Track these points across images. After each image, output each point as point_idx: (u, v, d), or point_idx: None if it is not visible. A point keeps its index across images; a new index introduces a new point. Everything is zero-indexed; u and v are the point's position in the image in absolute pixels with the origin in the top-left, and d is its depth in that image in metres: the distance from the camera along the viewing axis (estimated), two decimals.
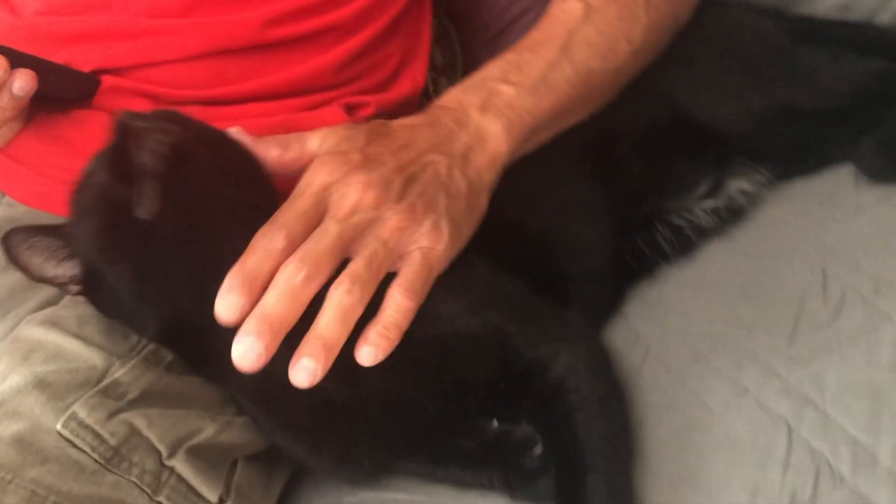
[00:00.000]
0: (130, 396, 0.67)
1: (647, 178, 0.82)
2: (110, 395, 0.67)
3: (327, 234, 0.61)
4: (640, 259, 0.81)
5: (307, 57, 0.82)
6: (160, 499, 0.66)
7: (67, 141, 0.79)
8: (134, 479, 0.65)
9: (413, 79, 0.92)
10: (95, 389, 0.66)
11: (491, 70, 0.77)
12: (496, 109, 0.74)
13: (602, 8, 0.81)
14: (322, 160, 0.66)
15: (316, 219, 0.62)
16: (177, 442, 0.67)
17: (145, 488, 0.65)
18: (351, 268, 0.62)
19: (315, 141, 0.68)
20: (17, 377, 0.66)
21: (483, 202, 0.71)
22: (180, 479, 0.67)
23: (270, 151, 0.67)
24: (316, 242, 0.61)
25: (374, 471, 0.72)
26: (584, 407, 0.66)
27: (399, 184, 0.65)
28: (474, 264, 0.71)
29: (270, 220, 0.62)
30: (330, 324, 0.59)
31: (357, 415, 0.67)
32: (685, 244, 0.82)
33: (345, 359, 0.60)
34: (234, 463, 0.71)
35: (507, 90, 0.75)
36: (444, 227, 0.65)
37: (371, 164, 0.65)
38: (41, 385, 0.65)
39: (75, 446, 0.64)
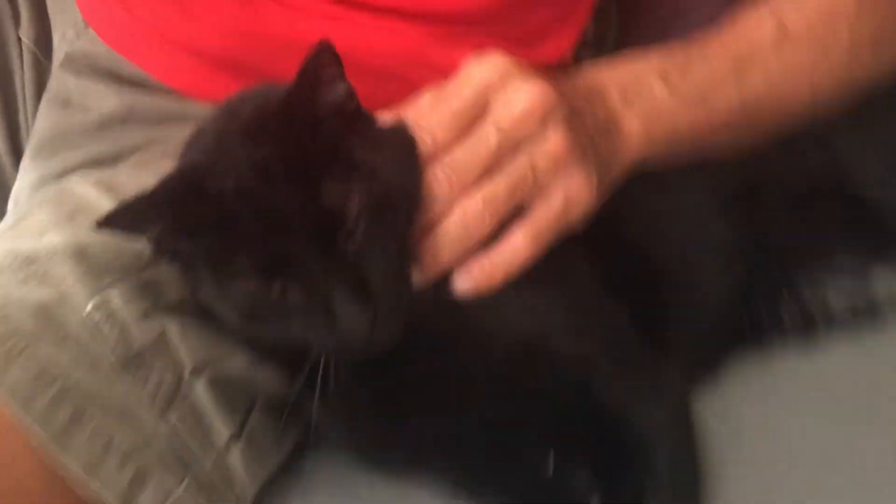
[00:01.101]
0: (170, 298, 0.61)
1: (793, 242, 0.73)
2: (150, 291, 0.60)
3: (486, 143, 0.55)
4: (755, 325, 0.72)
5: None
6: (169, 418, 0.60)
7: None
8: (146, 394, 0.59)
9: (559, 45, 0.82)
10: (137, 280, 0.60)
11: (652, 61, 0.68)
12: (641, 108, 0.65)
13: (798, 38, 0.71)
14: (485, 58, 0.58)
15: (469, 122, 0.56)
16: (205, 362, 0.61)
17: (156, 405, 0.59)
18: (490, 188, 0.55)
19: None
20: (56, 237, 0.60)
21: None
22: (195, 404, 0.61)
23: None
24: (470, 152, 0.55)
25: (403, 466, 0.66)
26: (657, 478, 0.59)
27: (566, 109, 0.58)
28: (585, 280, 0.64)
29: (415, 117, 0.56)
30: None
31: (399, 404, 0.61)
32: (809, 325, 0.73)
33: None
34: (252, 406, 0.64)
35: (660, 91, 0.67)
36: (595, 182, 0.58)
37: (537, 79, 0.58)
38: (81, 254, 0.59)
39: (100, 335, 0.58)
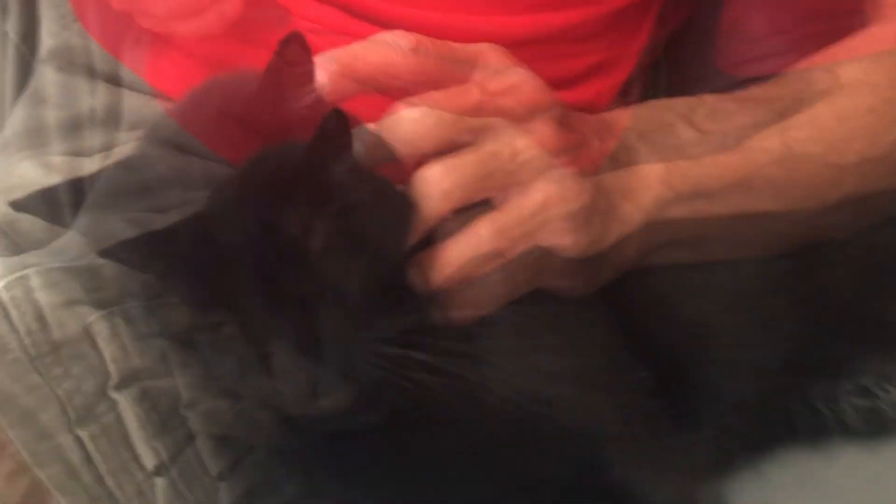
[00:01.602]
0: (104, 294, 0.53)
1: (854, 323, 0.62)
2: (82, 279, 0.53)
3: (465, 94, 0.48)
4: (810, 418, 0.60)
5: (492, 10, 0.69)
6: (81, 433, 0.52)
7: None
8: (59, 394, 0.51)
9: (600, 92, 0.76)
10: (68, 265, 0.53)
11: (676, 103, 0.61)
12: (661, 146, 0.57)
13: (855, 92, 0.62)
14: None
15: (457, 75, 0.50)
16: (136, 373, 0.53)
17: (68, 409, 0.51)
18: (458, 158, 0.47)
19: None
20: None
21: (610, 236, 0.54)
22: (119, 420, 0.52)
23: None
24: (445, 96, 0.48)
25: None
26: None
27: (563, 113, 0.52)
28: (600, 345, 0.55)
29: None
30: None
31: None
32: (879, 423, 0.60)
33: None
34: (191, 438, 0.55)
35: (685, 132, 0.58)
36: (586, 191, 0.50)
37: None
38: (10, 227, 0.54)
39: (8, 318, 0.50)
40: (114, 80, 0.72)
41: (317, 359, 0.44)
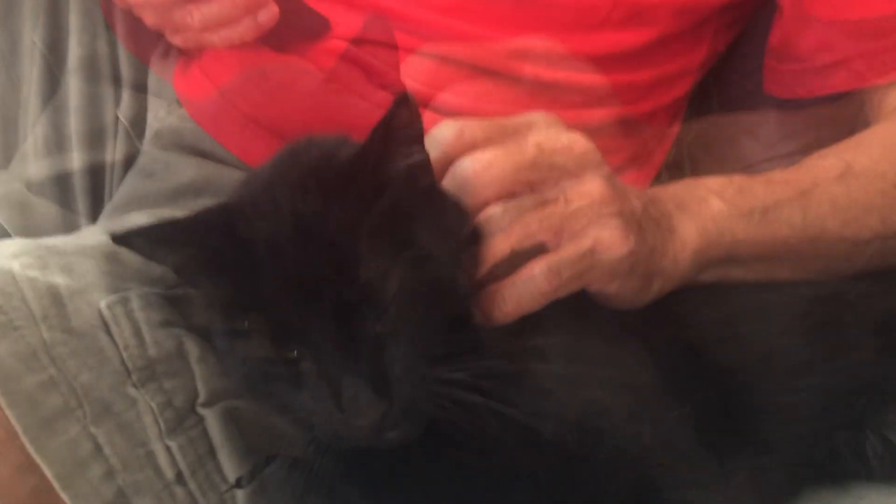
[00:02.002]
0: (196, 320, 0.56)
1: (877, 373, 0.65)
2: (175, 306, 0.57)
3: (521, 151, 0.53)
4: (834, 459, 0.63)
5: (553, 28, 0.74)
6: (170, 443, 0.54)
7: (266, 77, 0.73)
8: (153, 406, 0.54)
9: (659, 106, 0.82)
10: (164, 292, 0.57)
11: (708, 181, 0.66)
12: (695, 215, 0.62)
13: (864, 176, 0.69)
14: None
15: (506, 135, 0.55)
16: (222, 393, 0.56)
17: (161, 422, 0.54)
18: (520, 202, 0.53)
19: None
20: (92, 237, 0.58)
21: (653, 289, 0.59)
22: (205, 434, 0.55)
23: None
24: (503, 153, 0.53)
25: None
26: None
27: (610, 172, 0.56)
28: (645, 370, 0.58)
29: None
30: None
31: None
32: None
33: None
34: (273, 457, 0.58)
35: (716, 204, 0.63)
36: (632, 239, 0.55)
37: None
38: (111, 256, 0.57)
39: (109, 333, 0.53)
40: (213, 157, 0.77)
41: (385, 396, 0.48)
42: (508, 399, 0.51)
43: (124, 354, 0.53)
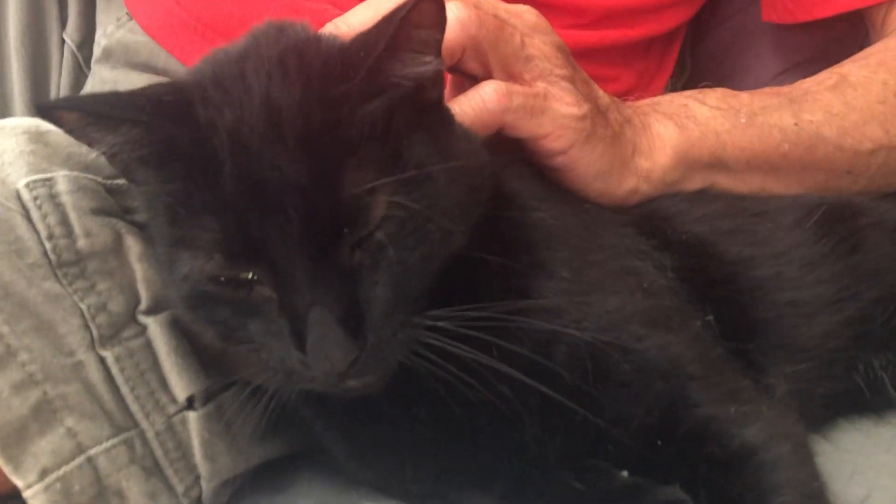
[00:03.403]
0: (139, 217, 0.49)
1: None
2: (114, 195, 0.49)
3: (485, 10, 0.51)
4: (873, 386, 0.57)
5: None
6: (104, 353, 0.46)
7: None
8: (83, 308, 0.46)
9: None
10: (100, 177, 0.49)
11: (688, 91, 0.64)
12: (674, 115, 0.60)
13: (861, 86, 0.65)
14: None
15: None
16: (169, 301, 0.47)
17: (92, 327, 0.46)
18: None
19: None
20: (16, 119, 0.50)
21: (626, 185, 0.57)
22: (148, 346, 0.47)
23: None
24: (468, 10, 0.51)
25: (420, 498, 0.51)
26: (782, 491, 0.44)
27: (562, 44, 0.56)
28: (659, 277, 0.52)
29: None
30: None
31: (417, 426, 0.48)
32: None
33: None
34: (232, 382, 0.50)
35: (697, 107, 0.61)
36: (585, 106, 0.54)
37: None
38: (37, 137, 0.48)
39: (28, 218, 0.45)
40: (166, 73, 0.70)
41: (358, 340, 0.40)
42: (508, 337, 0.45)
43: (47, 245, 0.45)
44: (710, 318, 0.52)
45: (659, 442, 0.46)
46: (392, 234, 0.41)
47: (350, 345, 0.40)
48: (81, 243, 0.46)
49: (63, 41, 0.78)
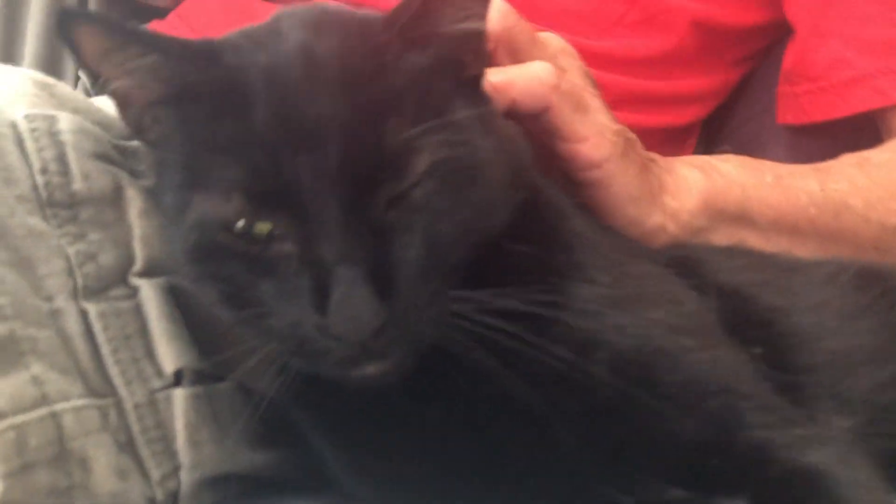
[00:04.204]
0: (147, 181, 0.45)
1: None
2: (120, 150, 0.45)
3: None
4: None
5: None
6: (87, 305, 0.41)
7: None
8: (70, 253, 0.41)
9: None
10: (110, 136, 0.45)
11: (715, 156, 0.64)
12: (700, 168, 0.60)
13: (884, 166, 0.66)
14: None
15: None
16: (168, 267, 0.43)
17: (77, 275, 0.41)
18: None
19: None
20: (32, 71, 0.47)
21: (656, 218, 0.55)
22: (137, 312, 0.42)
23: None
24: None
25: None
26: None
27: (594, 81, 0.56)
28: (702, 305, 0.48)
29: None
30: None
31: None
32: None
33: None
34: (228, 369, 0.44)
35: (721, 164, 0.61)
36: (617, 123, 0.54)
37: None
38: (45, 85, 0.45)
39: (22, 148, 0.41)
40: None
41: (387, 298, 0.36)
42: (545, 333, 0.40)
43: (39, 179, 0.41)
44: (759, 350, 0.47)
45: (715, 461, 0.40)
46: (431, 194, 0.38)
47: (378, 307, 0.35)
48: (77, 186, 0.42)
49: None
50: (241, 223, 0.37)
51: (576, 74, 0.53)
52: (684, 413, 0.41)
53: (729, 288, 0.52)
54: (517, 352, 0.39)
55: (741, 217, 0.59)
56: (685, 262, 0.52)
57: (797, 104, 0.76)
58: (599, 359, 0.42)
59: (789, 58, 0.76)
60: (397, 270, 0.37)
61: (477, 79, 0.44)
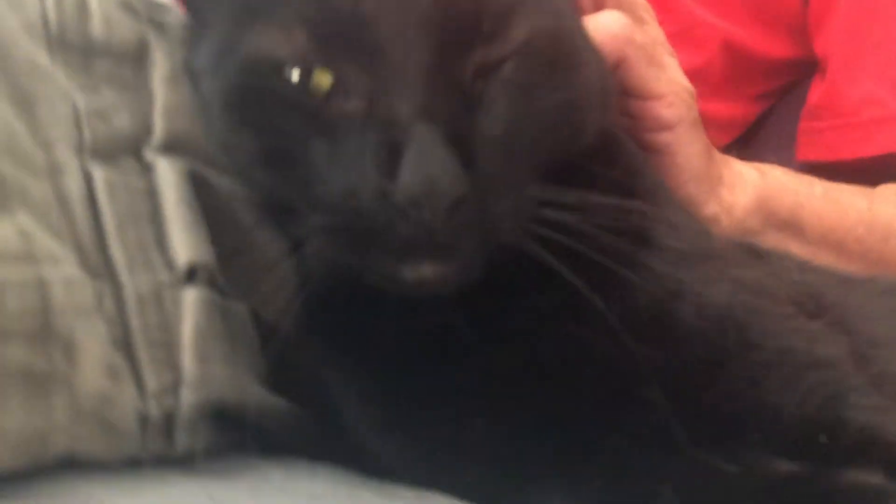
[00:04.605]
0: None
1: None
2: (151, 6, 0.39)
3: None
4: None
5: None
6: (93, 167, 0.33)
7: None
8: (77, 100, 0.34)
9: None
10: None
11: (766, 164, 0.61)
12: (755, 167, 0.57)
13: None
14: None
15: None
16: (191, 144, 0.37)
17: (84, 129, 0.34)
18: None
19: None
20: None
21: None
22: (150, 194, 0.35)
23: None
24: None
25: None
26: None
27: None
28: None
29: None
30: None
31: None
32: None
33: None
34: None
35: (771, 170, 0.59)
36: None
37: None
38: None
39: None
40: None
41: (469, 167, 0.31)
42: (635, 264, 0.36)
43: (50, 13, 0.34)
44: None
45: (822, 437, 0.34)
46: (525, 70, 0.34)
47: (460, 173, 0.30)
48: (96, 30, 0.35)
49: None
50: (296, 74, 0.31)
51: (654, 28, 0.49)
52: (783, 384, 0.36)
53: (798, 280, 0.47)
54: (604, 278, 0.33)
55: (792, 224, 0.56)
56: (752, 250, 0.47)
57: (822, 140, 0.73)
58: (684, 311, 0.36)
59: (816, 93, 0.74)
60: (482, 144, 0.32)
61: None
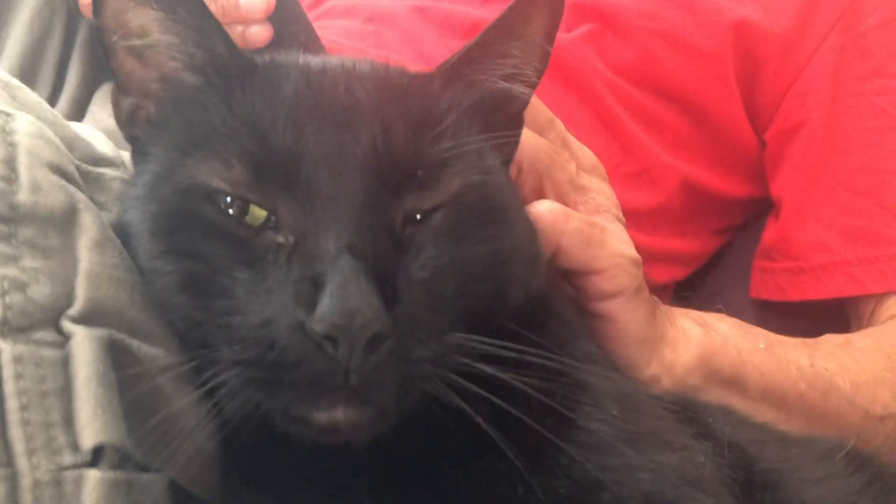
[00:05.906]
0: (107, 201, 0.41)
1: None
2: (82, 173, 0.40)
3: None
4: None
5: None
6: (2, 344, 0.33)
7: None
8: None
9: None
10: (74, 154, 0.40)
11: (710, 314, 0.62)
12: (701, 324, 0.58)
13: (868, 350, 0.65)
14: None
15: None
16: (112, 315, 0.36)
17: None
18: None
19: None
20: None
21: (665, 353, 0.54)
22: (63, 366, 0.34)
23: None
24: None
25: None
26: None
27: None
28: (708, 458, 0.44)
29: None
30: None
31: None
32: None
33: None
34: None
35: (721, 325, 0.60)
36: (638, 259, 0.52)
37: None
38: (9, 87, 0.40)
39: None
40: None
41: (390, 306, 0.32)
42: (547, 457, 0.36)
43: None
44: None
45: None
46: (455, 220, 0.36)
47: (380, 307, 0.31)
48: (23, 196, 0.35)
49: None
50: (233, 205, 0.33)
51: (599, 195, 0.51)
52: None
53: (732, 441, 0.48)
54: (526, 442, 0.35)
55: (734, 381, 0.56)
56: (686, 407, 0.49)
57: (774, 281, 0.76)
58: (608, 493, 0.37)
59: (770, 234, 0.76)
60: (407, 286, 0.33)
61: (510, 147, 0.43)
